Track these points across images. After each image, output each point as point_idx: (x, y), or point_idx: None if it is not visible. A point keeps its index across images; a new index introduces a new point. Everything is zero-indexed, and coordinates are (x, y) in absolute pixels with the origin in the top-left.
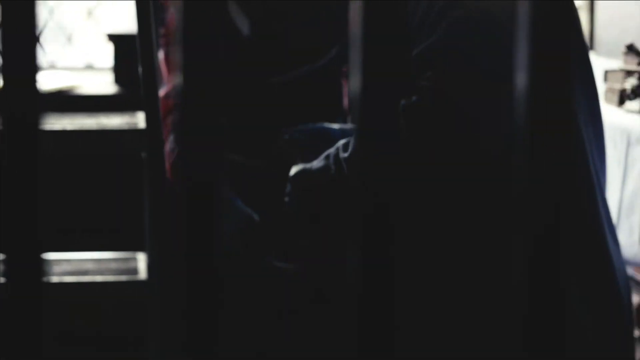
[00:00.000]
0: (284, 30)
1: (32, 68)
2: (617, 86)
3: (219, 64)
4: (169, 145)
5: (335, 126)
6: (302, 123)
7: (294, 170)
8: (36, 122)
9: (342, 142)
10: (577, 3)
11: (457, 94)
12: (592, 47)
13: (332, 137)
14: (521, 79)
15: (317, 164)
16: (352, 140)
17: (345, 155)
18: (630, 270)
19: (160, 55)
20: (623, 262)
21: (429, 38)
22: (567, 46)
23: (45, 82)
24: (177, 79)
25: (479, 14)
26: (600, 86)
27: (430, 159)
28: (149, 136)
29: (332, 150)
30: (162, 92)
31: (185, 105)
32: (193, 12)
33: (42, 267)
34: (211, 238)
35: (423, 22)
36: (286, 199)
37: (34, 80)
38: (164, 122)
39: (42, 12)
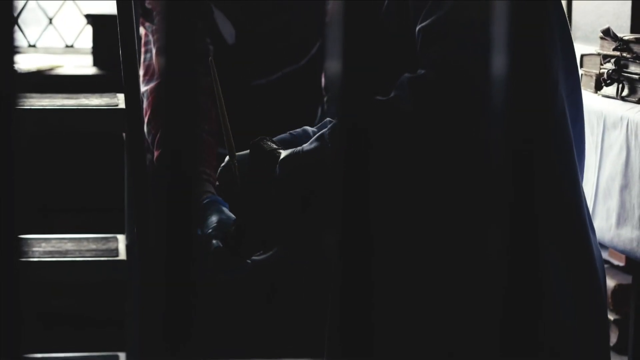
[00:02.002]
0: (267, 34)
1: (10, 49)
2: (594, 71)
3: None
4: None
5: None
6: (286, 123)
7: (283, 154)
8: (14, 102)
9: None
10: None
11: (467, 67)
12: None
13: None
14: (499, 62)
15: (307, 146)
16: None
17: None
18: (605, 254)
19: (153, 51)
20: (599, 248)
21: (435, 12)
22: (542, 32)
23: (26, 62)
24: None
25: None
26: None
27: (436, 132)
28: (129, 117)
29: (326, 130)
30: (153, 85)
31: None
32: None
33: (19, 248)
34: (189, 227)
35: (426, 1)
36: (276, 184)
37: (11, 61)
38: (154, 114)
39: None
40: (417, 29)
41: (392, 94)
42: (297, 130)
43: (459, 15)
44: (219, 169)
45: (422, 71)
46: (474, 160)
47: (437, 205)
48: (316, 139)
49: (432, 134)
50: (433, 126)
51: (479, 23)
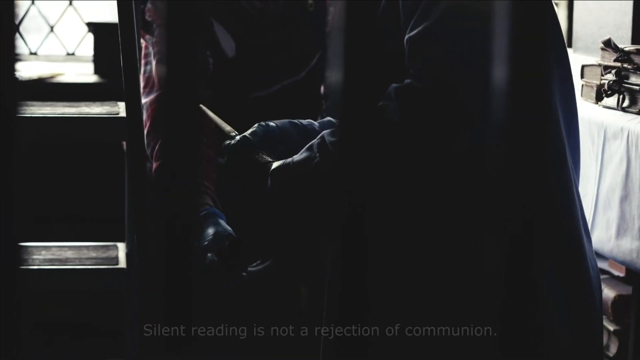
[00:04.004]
0: (268, 47)
1: (11, 57)
2: (595, 82)
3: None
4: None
5: (273, 123)
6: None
7: (274, 165)
8: (14, 110)
9: (326, 131)
10: (555, 0)
11: (451, 78)
12: (570, 44)
13: (286, 135)
14: (499, 74)
15: (297, 157)
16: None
17: (333, 139)
18: (605, 265)
19: (153, 63)
20: (594, 258)
21: (424, 21)
22: (543, 43)
23: (27, 70)
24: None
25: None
26: (577, 82)
27: (423, 141)
28: (129, 125)
29: (315, 141)
30: (153, 97)
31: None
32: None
33: (18, 256)
34: (187, 237)
35: (416, 7)
36: (268, 196)
37: (12, 69)
38: (154, 126)
39: (25, 1)
40: (406, 39)
41: (379, 104)
42: (304, 122)
43: (446, 26)
44: (225, 144)
45: (409, 81)
46: (465, 169)
47: (429, 213)
48: (306, 149)
49: (419, 143)
50: (419, 135)
51: (468, 33)
